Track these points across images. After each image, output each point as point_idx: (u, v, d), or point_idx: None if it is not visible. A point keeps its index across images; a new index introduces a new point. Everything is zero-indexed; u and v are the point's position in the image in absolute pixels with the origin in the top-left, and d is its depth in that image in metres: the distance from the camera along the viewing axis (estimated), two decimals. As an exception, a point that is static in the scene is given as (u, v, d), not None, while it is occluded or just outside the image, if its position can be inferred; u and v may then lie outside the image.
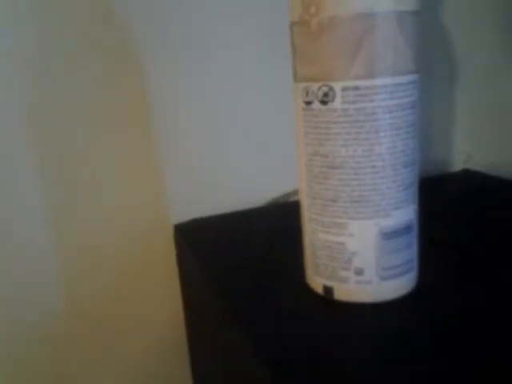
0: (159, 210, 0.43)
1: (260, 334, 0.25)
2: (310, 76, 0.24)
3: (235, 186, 0.45)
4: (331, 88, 0.24)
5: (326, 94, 0.24)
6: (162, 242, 0.44)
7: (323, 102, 0.24)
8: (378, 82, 0.23)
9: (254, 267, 0.33)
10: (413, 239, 0.27)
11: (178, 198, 0.43)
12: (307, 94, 0.25)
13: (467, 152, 0.60)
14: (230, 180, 0.45)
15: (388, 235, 0.26)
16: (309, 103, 0.25)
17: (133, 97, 0.40)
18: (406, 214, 0.26)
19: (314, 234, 0.27)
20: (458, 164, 0.59)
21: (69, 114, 0.39)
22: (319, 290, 0.28)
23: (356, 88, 0.23)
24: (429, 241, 0.32)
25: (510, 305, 0.26)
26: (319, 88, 0.24)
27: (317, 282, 0.28)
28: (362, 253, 0.26)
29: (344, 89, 0.24)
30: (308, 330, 0.25)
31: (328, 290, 0.27)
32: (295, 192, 0.46)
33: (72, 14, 0.38)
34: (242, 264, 0.33)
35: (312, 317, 0.26)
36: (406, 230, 0.26)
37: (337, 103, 0.24)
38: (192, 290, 0.39)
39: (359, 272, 0.26)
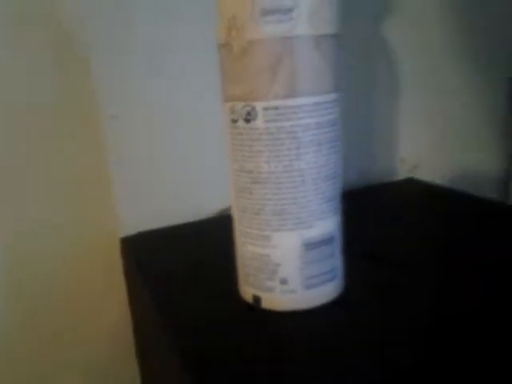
0: (106, 223, 0.44)
1: (186, 342, 0.26)
2: (234, 96, 0.26)
3: (183, 198, 0.46)
4: (253, 108, 0.25)
5: (249, 113, 0.25)
6: (109, 256, 0.44)
7: (247, 121, 0.26)
8: (297, 102, 0.25)
9: (193, 277, 0.34)
10: (335, 249, 0.28)
11: (125, 210, 0.44)
12: (233, 112, 0.26)
13: (412, 161, 0.63)
14: (179, 192, 0.46)
15: (310, 246, 0.27)
16: (234, 121, 0.26)
17: (78, 107, 0.41)
18: (327, 225, 0.27)
19: (244, 246, 0.28)
20: (402, 173, 0.61)
21: (7, 125, 0.39)
22: (249, 299, 0.29)
23: (276, 108, 0.25)
24: (360, 250, 0.34)
25: (432, 315, 0.28)
26: (243, 107, 0.26)
27: (247, 291, 0.29)
28: (285, 263, 0.27)
29: (265, 108, 0.25)
30: (232, 337, 0.26)
31: (256, 299, 0.28)
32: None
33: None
34: (181, 274, 0.34)
35: (238, 325, 0.27)
36: (329, 240, 0.28)
37: (259, 122, 0.25)
38: (135, 301, 0.40)
39: (284, 282, 0.27)
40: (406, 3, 0.58)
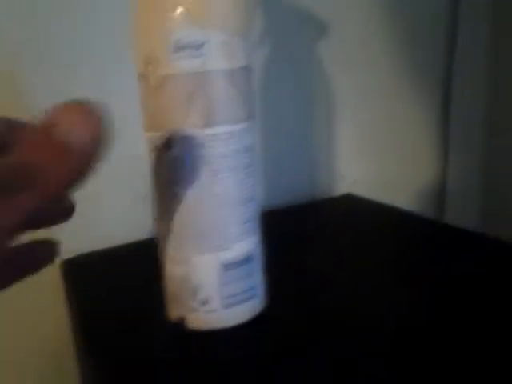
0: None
1: (107, 359, 0.27)
2: (154, 125, 0.27)
3: (122, 220, 0.46)
4: (171, 137, 0.27)
5: (167, 143, 0.27)
6: (51, 278, 0.44)
7: (165, 150, 0.27)
8: (212, 131, 0.26)
9: (126, 298, 0.34)
10: (254, 268, 0.30)
11: (66, 233, 0.44)
12: (152, 141, 0.27)
13: (351, 177, 0.65)
14: (117, 214, 0.46)
15: (228, 267, 0.28)
16: (154, 150, 0.27)
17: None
18: (245, 246, 0.29)
19: (168, 268, 0.29)
20: (341, 188, 0.63)
21: None
22: (175, 319, 0.30)
23: (192, 137, 0.26)
24: (287, 267, 0.35)
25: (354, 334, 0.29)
26: (161, 137, 0.27)
27: (173, 312, 0.30)
28: (205, 284, 0.28)
29: (182, 138, 0.26)
30: (152, 355, 0.27)
31: (181, 320, 0.29)
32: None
33: None
34: (113, 295, 0.35)
35: (162, 344, 0.28)
36: (246, 260, 0.29)
37: (176, 150, 0.27)
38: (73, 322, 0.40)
39: (204, 302, 0.29)
40: (341, 25, 0.61)
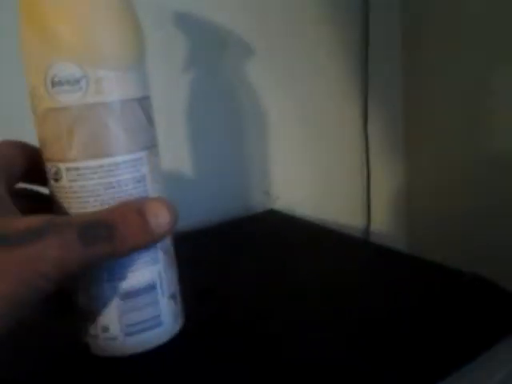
0: None
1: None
2: (45, 156, 0.28)
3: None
4: (59, 168, 0.27)
5: (56, 173, 0.27)
6: None
7: (55, 180, 0.27)
8: (96, 163, 0.27)
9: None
10: (157, 297, 0.29)
11: None
12: (47, 171, 0.28)
13: (274, 193, 0.65)
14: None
15: (126, 295, 0.28)
16: (49, 180, 0.28)
17: None
18: (144, 275, 0.29)
19: (74, 296, 0.30)
20: (265, 204, 0.64)
21: None
22: (82, 344, 0.30)
23: (77, 168, 0.27)
24: (198, 289, 0.35)
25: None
26: (51, 168, 0.27)
27: (80, 337, 0.30)
28: (104, 313, 0.29)
29: (67, 169, 0.27)
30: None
31: (86, 345, 0.30)
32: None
33: None
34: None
35: (67, 369, 0.29)
36: (147, 289, 0.29)
37: (64, 181, 0.27)
38: None
39: (105, 329, 0.29)
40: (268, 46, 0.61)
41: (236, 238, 0.50)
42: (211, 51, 0.60)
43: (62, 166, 0.27)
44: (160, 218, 0.26)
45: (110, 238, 0.24)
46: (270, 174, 0.65)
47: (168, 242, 0.30)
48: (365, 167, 0.76)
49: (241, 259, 0.43)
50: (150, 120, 0.29)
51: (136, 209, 0.25)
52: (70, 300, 0.30)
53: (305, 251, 0.43)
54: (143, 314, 0.29)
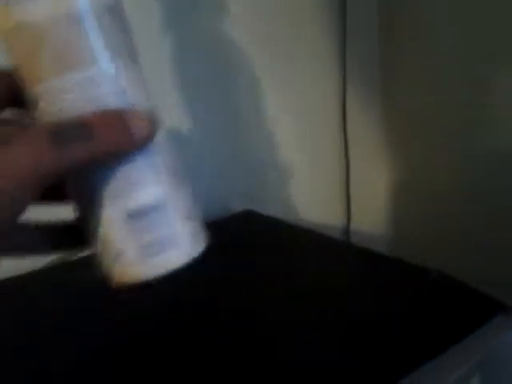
0: None
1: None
2: (21, 84, 0.26)
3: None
4: (35, 94, 0.26)
5: (34, 101, 0.26)
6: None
7: (35, 108, 0.26)
8: (67, 79, 0.25)
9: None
10: (166, 217, 0.28)
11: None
12: (27, 101, 0.27)
13: (249, 194, 0.64)
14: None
15: (134, 216, 0.27)
16: (31, 110, 0.27)
17: None
18: (148, 194, 0.27)
19: (88, 227, 0.29)
20: (240, 205, 0.62)
21: None
22: (102, 276, 0.29)
23: (50, 89, 0.25)
24: None
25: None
26: (29, 96, 0.26)
27: (100, 270, 0.29)
28: (116, 237, 0.27)
29: (42, 92, 0.25)
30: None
31: (108, 275, 0.29)
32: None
33: None
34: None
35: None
36: (154, 209, 0.27)
37: (42, 106, 0.26)
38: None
39: (119, 254, 0.28)
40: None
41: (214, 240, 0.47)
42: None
43: (37, 90, 0.25)
44: (140, 123, 0.24)
45: (87, 137, 0.22)
46: (248, 175, 0.62)
47: (172, 163, 0.28)
48: (344, 165, 0.74)
49: (221, 261, 0.41)
50: (123, 28, 0.26)
51: (114, 111, 0.24)
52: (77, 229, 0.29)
53: (284, 252, 0.41)
54: (156, 235, 0.27)
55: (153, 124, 0.25)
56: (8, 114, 0.28)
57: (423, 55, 0.70)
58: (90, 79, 0.25)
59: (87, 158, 0.23)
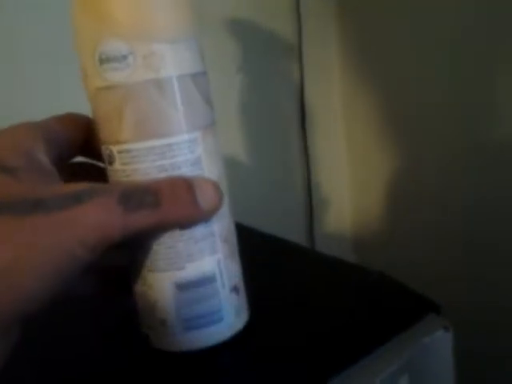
0: None
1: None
2: (99, 138, 0.26)
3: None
4: (111, 151, 0.26)
5: (109, 156, 0.26)
6: None
7: (110, 163, 0.26)
8: (147, 144, 0.25)
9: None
10: (216, 289, 0.27)
11: None
12: (102, 154, 0.27)
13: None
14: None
15: (183, 287, 0.27)
16: (104, 163, 0.27)
17: None
18: (202, 265, 0.27)
19: (133, 284, 0.28)
20: None
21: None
22: (143, 335, 0.29)
23: (128, 151, 0.25)
24: None
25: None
26: (105, 150, 0.26)
27: (142, 327, 0.29)
28: (161, 304, 0.27)
29: (119, 152, 0.25)
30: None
31: (146, 338, 0.28)
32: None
33: None
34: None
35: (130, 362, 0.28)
36: (205, 281, 0.27)
37: (117, 164, 0.26)
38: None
39: (162, 322, 0.27)
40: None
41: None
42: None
43: (114, 148, 0.25)
44: (207, 195, 0.24)
45: (155, 205, 0.22)
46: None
47: (227, 230, 0.28)
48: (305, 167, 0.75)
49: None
50: (205, 97, 0.27)
51: (183, 181, 0.24)
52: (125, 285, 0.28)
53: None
54: (202, 308, 0.27)
55: (220, 196, 0.25)
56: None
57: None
58: (168, 147, 0.25)
59: (152, 225, 0.23)
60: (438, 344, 0.30)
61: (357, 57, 0.77)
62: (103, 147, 0.26)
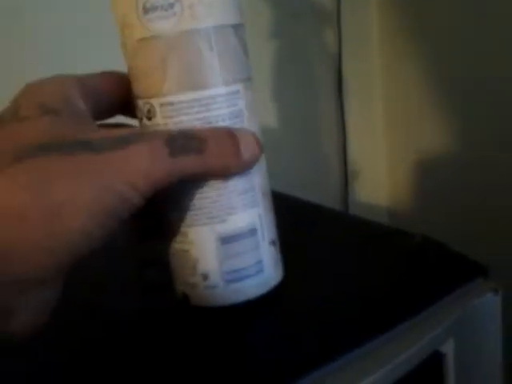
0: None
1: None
2: (136, 94, 0.26)
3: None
4: (152, 105, 0.25)
5: (149, 111, 0.26)
6: None
7: (148, 119, 0.26)
8: (189, 96, 0.25)
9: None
10: (258, 242, 0.27)
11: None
12: (138, 110, 0.26)
13: None
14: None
15: (226, 240, 0.26)
16: (141, 119, 0.26)
17: None
18: (243, 218, 0.27)
19: (170, 244, 0.28)
20: None
21: None
22: (179, 296, 0.29)
23: (171, 103, 0.25)
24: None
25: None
26: (143, 105, 0.26)
27: (178, 288, 0.29)
28: (203, 259, 0.27)
29: (161, 104, 0.25)
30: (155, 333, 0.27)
31: (185, 297, 0.28)
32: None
33: None
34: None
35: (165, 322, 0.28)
36: (246, 234, 0.27)
37: (158, 119, 0.25)
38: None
39: (205, 277, 0.27)
40: None
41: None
42: None
43: (156, 101, 0.25)
44: (249, 145, 0.24)
45: (200, 150, 0.23)
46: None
47: (266, 184, 0.28)
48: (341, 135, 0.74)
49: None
50: (245, 50, 0.26)
51: (227, 131, 0.24)
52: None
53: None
54: (244, 260, 0.27)
55: (260, 147, 0.25)
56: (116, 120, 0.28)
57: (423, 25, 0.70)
58: (212, 99, 0.25)
59: (196, 171, 0.23)
60: (486, 307, 0.29)
61: (397, 22, 0.75)
62: (141, 102, 0.26)
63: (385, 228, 0.39)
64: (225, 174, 0.25)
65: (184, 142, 0.22)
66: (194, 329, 0.27)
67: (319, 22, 0.72)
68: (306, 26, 0.71)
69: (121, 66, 0.26)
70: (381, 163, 0.82)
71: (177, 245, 0.27)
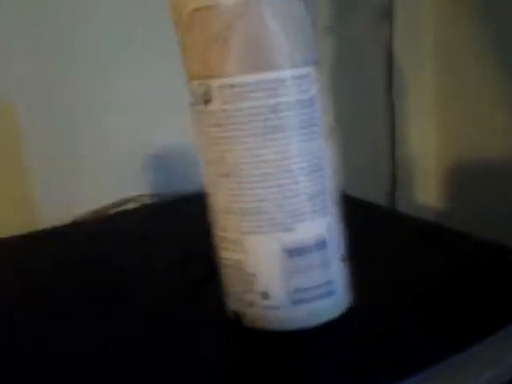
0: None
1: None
2: (191, 74, 0.22)
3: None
4: (209, 87, 0.21)
5: (205, 93, 0.22)
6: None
7: (204, 103, 0.22)
8: (256, 78, 0.20)
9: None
10: (330, 257, 0.23)
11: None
12: (192, 94, 0.22)
13: None
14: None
15: (293, 252, 0.22)
16: (194, 105, 0.22)
17: None
18: (314, 227, 0.22)
19: (219, 252, 0.24)
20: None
21: None
22: (230, 315, 0.24)
23: (232, 86, 0.21)
24: None
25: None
26: (198, 87, 0.22)
27: (228, 306, 0.25)
28: (263, 273, 0.22)
29: (221, 87, 0.21)
30: (203, 357, 0.22)
31: (237, 316, 0.24)
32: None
33: None
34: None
35: (214, 344, 0.24)
36: (317, 246, 0.22)
37: (216, 104, 0.21)
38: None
39: (265, 295, 0.23)
40: None
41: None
42: None
43: (214, 83, 0.21)
44: None
45: None
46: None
47: (336, 191, 0.24)
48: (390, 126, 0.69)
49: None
50: (315, 28, 0.22)
51: None
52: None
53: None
54: (313, 278, 0.23)
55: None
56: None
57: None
58: (281, 83, 0.21)
59: None
60: None
61: (451, 18, 0.70)
62: (196, 83, 0.22)
63: (446, 230, 0.34)
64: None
65: None
66: (247, 354, 0.23)
67: (372, 18, 0.68)
68: (358, 22, 0.67)
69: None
70: (431, 157, 0.76)
71: (230, 254, 0.23)
